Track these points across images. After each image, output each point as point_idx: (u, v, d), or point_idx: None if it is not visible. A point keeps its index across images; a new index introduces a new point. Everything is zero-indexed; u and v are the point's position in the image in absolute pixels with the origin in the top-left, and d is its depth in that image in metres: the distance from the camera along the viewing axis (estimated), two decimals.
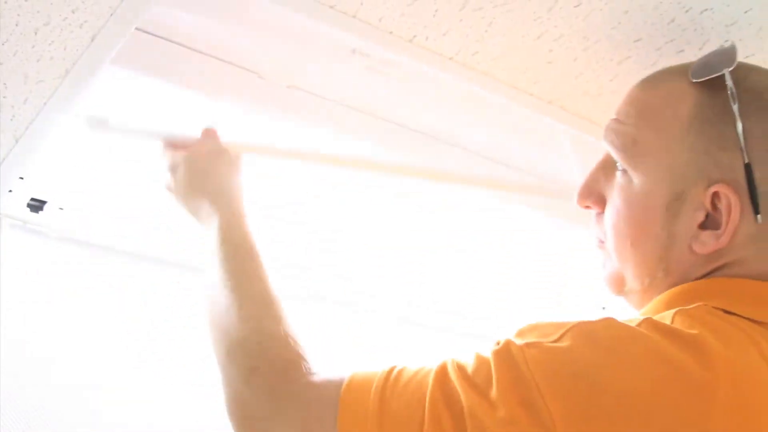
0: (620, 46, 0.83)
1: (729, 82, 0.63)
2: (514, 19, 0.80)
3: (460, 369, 0.57)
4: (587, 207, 0.73)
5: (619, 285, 0.70)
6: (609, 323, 0.56)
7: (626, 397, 0.51)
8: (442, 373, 0.57)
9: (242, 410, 0.65)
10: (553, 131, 1.00)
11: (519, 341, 0.56)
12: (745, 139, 0.61)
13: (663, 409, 0.51)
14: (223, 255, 0.76)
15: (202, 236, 0.82)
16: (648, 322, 0.56)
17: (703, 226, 0.63)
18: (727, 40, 0.69)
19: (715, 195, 0.62)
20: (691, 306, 0.59)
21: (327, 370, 0.64)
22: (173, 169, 0.88)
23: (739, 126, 0.62)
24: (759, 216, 0.61)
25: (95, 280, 1.10)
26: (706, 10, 0.78)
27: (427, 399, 0.56)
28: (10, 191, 0.97)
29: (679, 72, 0.68)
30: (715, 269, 0.64)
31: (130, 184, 1.05)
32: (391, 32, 0.82)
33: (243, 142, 0.92)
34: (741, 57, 0.66)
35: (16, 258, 1.02)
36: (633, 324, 0.56)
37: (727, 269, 0.64)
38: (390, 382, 0.59)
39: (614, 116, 0.71)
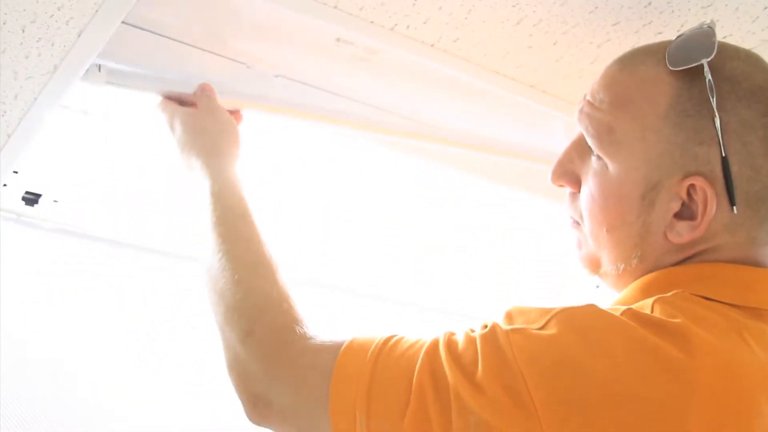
0: (599, 29, 0.84)
1: (707, 74, 0.62)
2: (493, 6, 0.80)
3: (450, 348, 0.58)
4: (561, 186, 0.73)
5: (594, 267, 0.71)
6: (592, 311, 0.57)
7: (607, 385, 0.52)
8: (433, 349, 0.58)
9: (240, 371, 0.66)
10: (537, 114, 1.01)
11: (505, 326, 0.57)
12: (722, 132, 0.61)
13: (644, 397, 0.52)
14: (215, 219, 0.75)
15: (197, 193, 0.81)
16: (629, 311, 0.57)
17: (678, 216, 0.63)
18: (709, 20, 0.67)
19: (691, 186, 0.62)
20: (669, 294, 0.59)
21: (324, 334, 0.65)
22: (170, 124, 0.87)
23: (717, 121, 0.61)
24: (735, 207, 0.61)
25: (91, 272, 1.10)
26: None
27: (415, 374, 0.57)
28: (5, 185, 0.98)
29: (657, 54, 0.66)
30: (690, 256, 0.64)
31: (124, 175, 1.06)
32: (372, 21, 0.83)
33: (240, 98, 0.91)
34: (718, 37, 0.65)
35: (11, 251, 1.03)
36: (616, 313, 0.57)
37: (703, 255, 0.64)
38: (386, 350, 0.60)
39: (588, 97, 0.69)
